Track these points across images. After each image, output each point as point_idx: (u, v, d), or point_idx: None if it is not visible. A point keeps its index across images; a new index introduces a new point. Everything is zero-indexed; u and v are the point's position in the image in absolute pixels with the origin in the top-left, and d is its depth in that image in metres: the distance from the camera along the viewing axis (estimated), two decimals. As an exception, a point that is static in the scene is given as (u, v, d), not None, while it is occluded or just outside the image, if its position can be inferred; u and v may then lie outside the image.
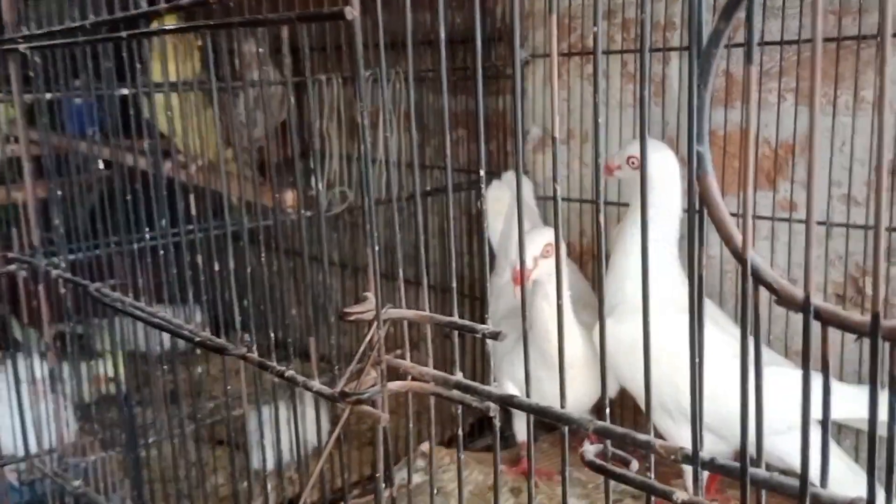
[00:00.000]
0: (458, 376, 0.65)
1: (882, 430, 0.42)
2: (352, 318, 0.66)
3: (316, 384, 0.72)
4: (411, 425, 0.75)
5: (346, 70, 1.88)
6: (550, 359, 1.47)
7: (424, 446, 1.78)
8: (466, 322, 0.63)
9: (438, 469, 1.72)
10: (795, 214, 1.63)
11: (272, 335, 0.78)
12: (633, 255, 1.53)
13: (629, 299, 1.50)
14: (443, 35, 0.60)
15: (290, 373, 0.75)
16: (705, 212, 0.48)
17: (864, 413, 1.34)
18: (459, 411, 0.68)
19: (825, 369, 0.44)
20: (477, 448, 1.97)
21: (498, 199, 1.97)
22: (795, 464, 1.52)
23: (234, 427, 1.59)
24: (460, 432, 0.70)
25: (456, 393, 0.65)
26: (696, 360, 0.48)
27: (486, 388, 0.63)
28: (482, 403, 0.63)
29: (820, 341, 0.44)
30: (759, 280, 0.45)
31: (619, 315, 1.55)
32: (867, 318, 0.41)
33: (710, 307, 1.63)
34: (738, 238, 0.45)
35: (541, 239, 1.48)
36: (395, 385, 0.68)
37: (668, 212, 1.50)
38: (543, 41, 1.99)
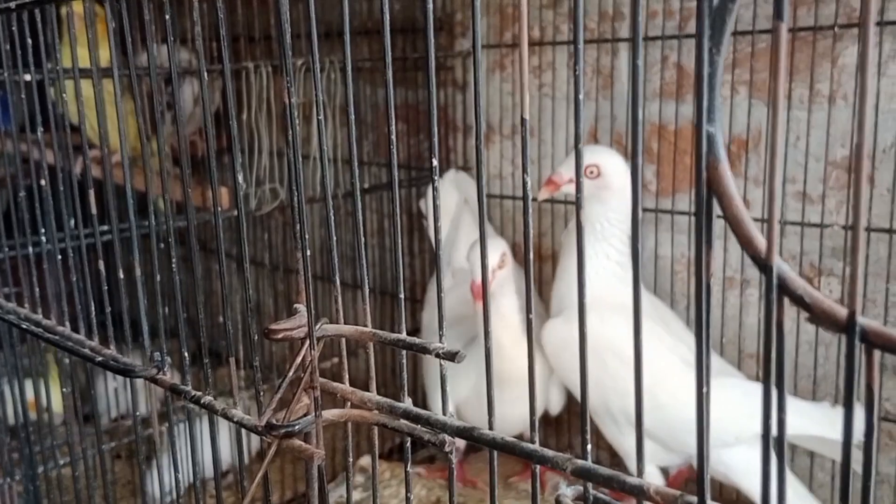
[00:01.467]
0: (407, 403, 0.55)
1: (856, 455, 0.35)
2: (279, 336, 0.55)
3: (237, 413, 0.61)
4: (350, 439, 0.64)
5: (277, 58, 1.76)
6: (500, 375, 1.40)
7: (363, 461, 1.68)
8: (416, 340, 0.53)
9: (378, 485, 1.61)
10: (749, 213, 1.56)
11: (186, 355, 0.66)
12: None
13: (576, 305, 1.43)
14: (387, 21, 0.50)
15: (207, 398, 0.64)
16: (714, 208, 0.39)
17: (816, 430, 1.26)
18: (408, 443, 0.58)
19: (869, 402, 0.36)
20: (417, 460, 1.87)
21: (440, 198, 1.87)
22: (738, 480, 1.48)
23: (145, 447, 1.46)
24: (408, 462, 0.60)
25: (404, 423, 0.55)
26: (704, 389, 0.39)
27: (440, 417, 0.53)
28: (436, 436, 0.53)
29: (858, 365, 0.35)
30: (786, 293, 0.36)
31: (567, 316, 1.48)
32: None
33: (661, 309, 1.57)
34: (760, 241, 0.36)
35: (495, 250, 1.41)
36: (331, 414, 0.58)
37: (623, 215, 1.46)
38: (487, 31, 1.90)
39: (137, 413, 0.77)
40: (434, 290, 1.70)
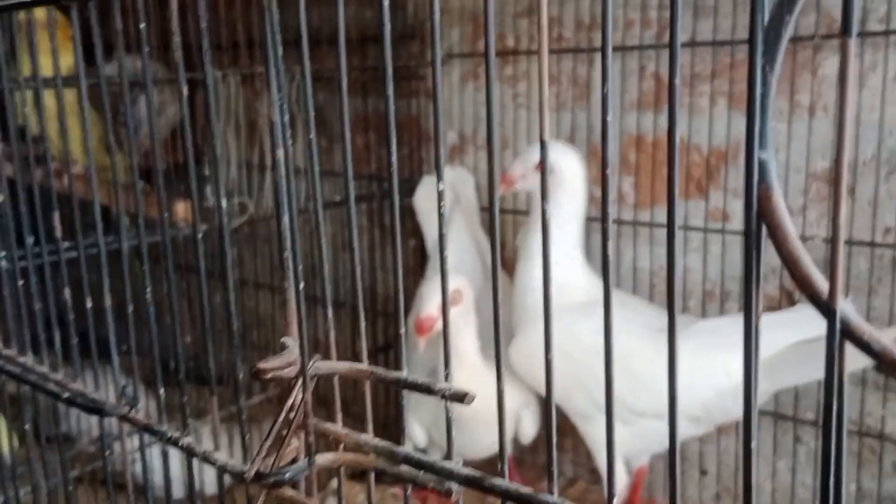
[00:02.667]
0: (408, 447, 0.51)
1: None
2: (268, 376, 0.50)
3: (220, 457, 0.56)
4: (341, 485, 0.60)
5: (245, 67, 1.70)
6: (459, 416, 1.38)
7: (334, 482, 1.62)
8: (420, 380, 0.49)
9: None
10: (728, 225, 1.55)
11: (161, 391, 0.61)
12: (538, 265, 1.44)
13: (538, 309, 1.39)
14: (341, 24, 0.46)
15: (186, 440, 0.59)
16: (764, 240, 0.35)
17: (797, 336, 1.16)
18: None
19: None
20: (391, 481, 1.82)
21: (430, 196, 1.83)
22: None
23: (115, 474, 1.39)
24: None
25: (406, 469, 0.50)
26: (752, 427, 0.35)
27: (447, 464, 0.49)
28: (441, 484, 0.48)
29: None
30: (852, 339, 0.32)
31: (524, 328, 1.44)
32: None
33: (619, 294, 1.55)
34: (821, 282, 0.33)
35: (449, 284, 1.35)
36: (324, 459, 0.53)
37: (576, 216, 1.43)
38: (460, 40, 1.86)
39: (108, 451, 0.72)
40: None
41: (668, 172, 0.36)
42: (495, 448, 1.61)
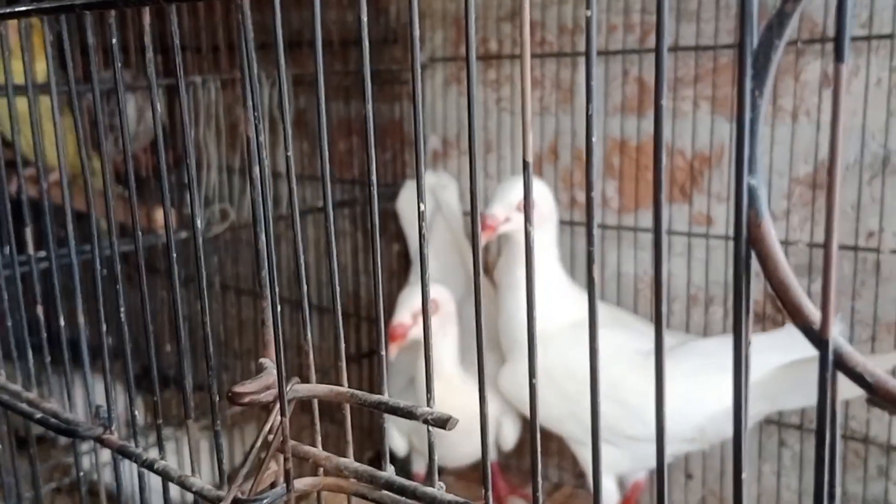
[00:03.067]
0: (389, 472, 0.50)
1: None
2: (245, 400, 0.49)
3: (197, 482, 0.54)
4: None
5: (225, 72, 1.68)
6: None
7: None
8: (401, 404, 0.47)
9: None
10: (712, 229, 1.55)
11: (136, 413, 0.59)
12: (522, 289, 1.45)
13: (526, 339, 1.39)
14: (318, 27, 0.45)
15: (161, 464, 0.57)
16: (753, 268, 0.34)
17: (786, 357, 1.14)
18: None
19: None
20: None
21: (413, 201, 1.82)
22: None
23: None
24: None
25: (387, 495, 0.49)
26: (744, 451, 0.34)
27: (429, 490, 0.47)
28: (425, 511, 0.47)
29: None
30: (844, 370, 0.32)
31: (513, 358, 1.44)
32: None
33: (613, 311, 1.54)
34: (813, 312, 0.32)
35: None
36: (302, 484, 0.52)
37: (553, 241, 1.45)
38: (443, 43, 1.85)
39: (81, 472, 0.70)
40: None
41: (654, 178, 0.35)
42: (478, 455, 1.62)
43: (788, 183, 1.44)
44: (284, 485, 0.51)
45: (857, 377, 0.31)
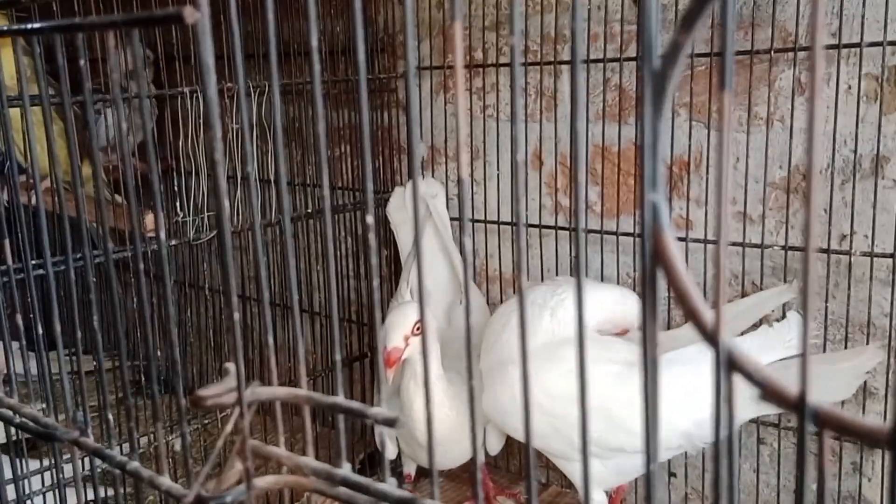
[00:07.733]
0: (346, 469, 0.53)
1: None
2: (207, 402, 0.52)
3: (165, 481, 0.57)
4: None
5: (217, 81, 1.71)
6: (418, 435, 1.46)
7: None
8: (354, 405, 0.50)
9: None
10: (692, 233, 1.58)
11: (109, 417, 0.62)
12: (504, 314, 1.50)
13: (504, 363, 1.42)
14: (314, 39, 0.48)
15: (133, 465, 0.60)
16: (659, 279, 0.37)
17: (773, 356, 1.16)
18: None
19: (821, 486, 0.34)
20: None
21: (402, 207, 1.86)
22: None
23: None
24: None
25: (343, 491, 0.52)
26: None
27: (381, 486, 0.50)
28: (379, 506, 0.50)
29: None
30: (737, 370, 0.34)
31: (492, 384, 1.44)
32: (882, 424, 0.32)
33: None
34: (707, 315, 0.35)
35: (411, 316, 1.39)
36: (264, 482, 0.55)
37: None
38: (430, 52, 1.88)
39: (60, 474, 0.73)
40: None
41: (636, 187, 0.38)
42: (466, 457, 1.64)
43: (764, 188, 1.47)
44: (246, 485, 0.54)
45: (748, 376, 0.34)
